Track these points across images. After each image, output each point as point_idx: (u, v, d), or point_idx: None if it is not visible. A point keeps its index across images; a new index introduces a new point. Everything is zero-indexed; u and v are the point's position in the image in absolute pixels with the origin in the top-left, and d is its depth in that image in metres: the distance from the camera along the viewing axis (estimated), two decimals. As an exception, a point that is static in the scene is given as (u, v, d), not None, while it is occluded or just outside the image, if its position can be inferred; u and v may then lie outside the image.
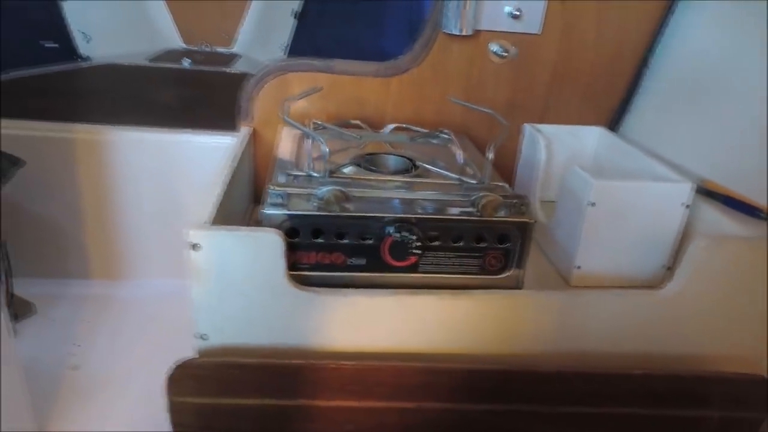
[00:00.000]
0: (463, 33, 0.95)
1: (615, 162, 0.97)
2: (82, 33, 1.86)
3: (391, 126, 0.96)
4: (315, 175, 0.73)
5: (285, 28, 2.05)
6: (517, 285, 0.73)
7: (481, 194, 0.69)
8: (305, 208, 0.67)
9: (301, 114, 0.99)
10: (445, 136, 0.90)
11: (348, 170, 0.77)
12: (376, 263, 0.69)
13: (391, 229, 0.67)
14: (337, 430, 0.69)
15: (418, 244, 0.68)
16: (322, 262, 0.69)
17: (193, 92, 1.63)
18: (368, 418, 0.69)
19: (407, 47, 1.00)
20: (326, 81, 0.98)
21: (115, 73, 1.76)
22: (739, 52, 0.86)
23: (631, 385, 0.71)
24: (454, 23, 0.94)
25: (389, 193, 0.71)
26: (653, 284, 0.80)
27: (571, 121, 1.04)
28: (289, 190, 0.67)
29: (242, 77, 1.03)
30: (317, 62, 0.98)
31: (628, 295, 0.72)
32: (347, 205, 0.68)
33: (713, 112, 0.89)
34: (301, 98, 0.94)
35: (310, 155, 0.78)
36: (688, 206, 0.79)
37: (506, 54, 0.98)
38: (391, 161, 0.84)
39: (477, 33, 0.97)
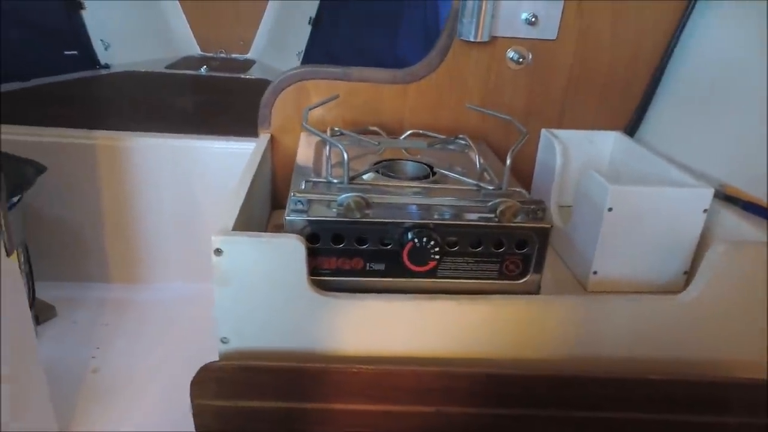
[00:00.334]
0: (480, 40, 0.95)
1: (631, 166, 0.96)
2: (101, 41, 1.89)
3: (409, 132, 0.97)
4: (335, 181, 0.74)
5: (300, 35, 2.06)
6: (535, 290, 0.73)
7: (499, 200, 0.70)
8: (326, 214, 0.68)
9: (318, 121, 1.00)
10: (463, 142, 0.91)
11: (367, 176, 0.77)
12: (396, 268, 0.70)
13: (410, 235, 0.67)
14: (356, 434, 0.70)
15: (437, 249, 0.68)
16: (342, 268, 0.70)
17: (210, 98, 1.65)
18: (387, 422, 0.69)
19: (423, 54, 1.01)
20: (343, 88, 0.99)
21: (133, 80, 1.79)
22: (759, 54, 0.86)
23: (648, 390, 0.71)
24: (471, 30, 0.95)
25: (408, 199, 0.71)
26: (671, 289, 0.80)
27: (588, 126, 1.04)
28: (310, 196, 0.68)
29: (258, 83, 1.05)
30: (335, 70, 0.99)
31: (645, 300, 0.72)
32: (367, 211, 0.68)
33: (732, 115, 0.88)
34: (320, 105, 0.95)
35: (329, 162, 0.79)
36: (705, 210, 0.79)
37: (523, 60, 0.99)
38: (410, 167, 0.85)
39: (493, 39, 0.97)
